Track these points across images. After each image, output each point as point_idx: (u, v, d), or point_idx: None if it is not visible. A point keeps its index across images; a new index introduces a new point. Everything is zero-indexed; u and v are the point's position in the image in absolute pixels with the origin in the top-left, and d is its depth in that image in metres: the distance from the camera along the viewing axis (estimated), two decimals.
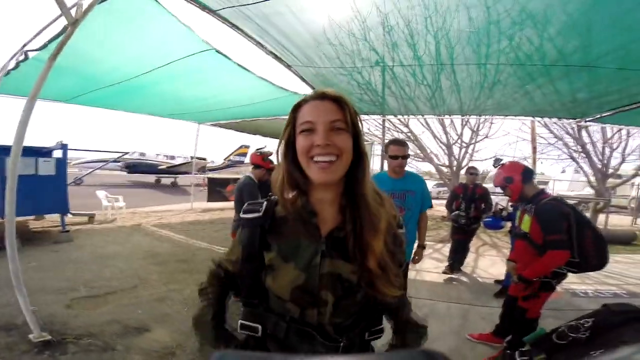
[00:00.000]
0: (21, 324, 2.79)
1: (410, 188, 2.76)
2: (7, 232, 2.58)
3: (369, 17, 2.79)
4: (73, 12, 2.41)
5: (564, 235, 2.36)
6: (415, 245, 2.94)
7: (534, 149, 9.29)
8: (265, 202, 0.92)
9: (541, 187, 2.91)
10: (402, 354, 0.33)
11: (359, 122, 0.85)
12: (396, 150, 2.70)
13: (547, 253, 2.40)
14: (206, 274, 1.03)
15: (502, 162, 3.00)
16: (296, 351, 0.84)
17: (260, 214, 0.89)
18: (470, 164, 10.21)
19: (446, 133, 11.81)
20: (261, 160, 3.42)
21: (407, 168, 2.82)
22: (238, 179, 10.81)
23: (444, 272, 5.05)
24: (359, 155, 0.84)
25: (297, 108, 0.85)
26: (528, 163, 8.60)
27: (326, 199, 0.86)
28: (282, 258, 0.85)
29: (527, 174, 2.73)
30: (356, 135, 0.83)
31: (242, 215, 0.92)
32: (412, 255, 2.93)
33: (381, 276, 0.81)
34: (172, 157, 23.08)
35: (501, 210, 4.56)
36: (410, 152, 2.85)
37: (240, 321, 0.89)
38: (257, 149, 3.55)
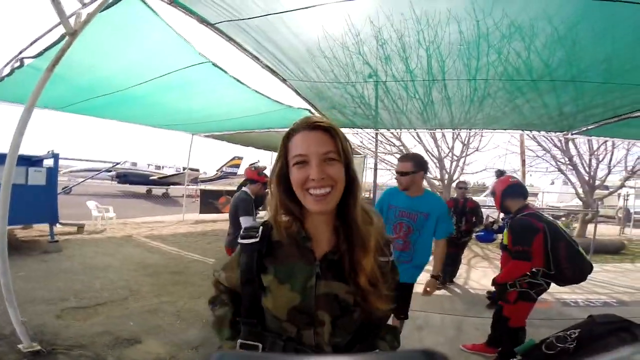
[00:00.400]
0: (9, 334, 2.76)
1: (424, 210, 2.53)
2: None
3: (362, 30, 2.83)
4: (72, 21, 2.42)
5: (527, 248, 2.54)
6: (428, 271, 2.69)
7: (523, 161, 9.48)
8: (261, 227, 0.93)
9: (529, 201, 3.03)
10: (402, 354, 0.34)
11: (350, 149, 0.87)
12: (397, 166, 2.59)
13: (510, 262, 2.64)
14: (212, 284, 1.07)
15: (501, 174, 3.15)
16: None
17: (257, 239, 0.91)
18: (461, 178, 10.35)
19: (437, 146, 11.92)
20: (256, 175, 3.43)
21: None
22: (231, 190, 10.77)
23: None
24: (350, 181, 0.86)
25: (287, 138, 0.86)
26: (517, 175, 8.76)
27: (320, 222, 0.89)
28: (278, 280, 0.87)
29: (511, 189, 2.84)
30: (347, 163, 0.85)
31: (240, 241, 0.95)
32: (424, 284, 2.67)
33: (373, 292, 0.84)
34: (162, 167, 22.93)
35: (492, 223, 4.62)
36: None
37: (239, 341, 0.90)
38: (251, 164, 3.58)
